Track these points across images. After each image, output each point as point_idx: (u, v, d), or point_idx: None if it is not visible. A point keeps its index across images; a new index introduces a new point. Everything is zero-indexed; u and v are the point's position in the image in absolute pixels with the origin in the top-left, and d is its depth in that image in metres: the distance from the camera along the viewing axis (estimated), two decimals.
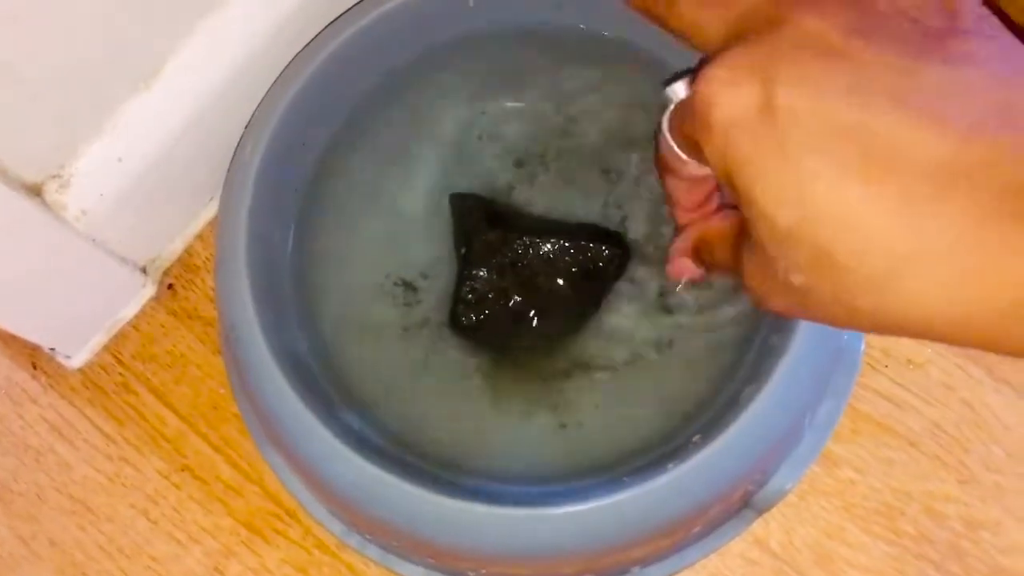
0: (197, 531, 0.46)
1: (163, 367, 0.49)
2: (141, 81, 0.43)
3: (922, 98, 0.26)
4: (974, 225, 0.24)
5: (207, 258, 0.50)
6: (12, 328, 0.44)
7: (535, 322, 0.44)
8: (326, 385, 0.42)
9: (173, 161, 0.45)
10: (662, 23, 0.32)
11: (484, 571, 0.41)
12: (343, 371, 0.44)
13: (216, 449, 0.47)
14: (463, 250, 0.44)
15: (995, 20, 0.28)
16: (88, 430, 0.48)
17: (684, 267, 0.37)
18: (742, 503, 0.42)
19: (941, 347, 0.46)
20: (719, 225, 0.34)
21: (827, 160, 0.26)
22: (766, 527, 0.44)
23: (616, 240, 0.44)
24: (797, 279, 0.28)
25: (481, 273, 0.43)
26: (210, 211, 0.50)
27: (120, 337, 0.49)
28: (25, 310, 0.44)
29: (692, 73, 0.29)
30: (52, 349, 0.48)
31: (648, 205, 0.46)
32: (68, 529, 0.46)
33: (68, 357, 0.48)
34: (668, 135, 0.32)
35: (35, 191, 0.41)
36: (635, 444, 0.42)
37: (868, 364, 0.46)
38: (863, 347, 0.45)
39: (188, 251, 0.50)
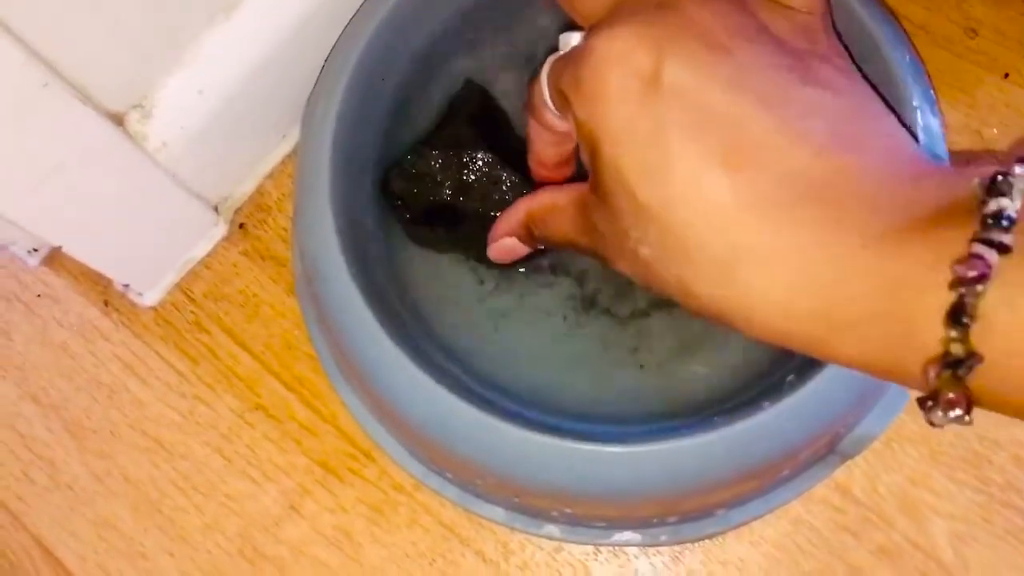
0: (272, 469, 0.46)
1: (235, 306, 0.48)
2: (221, 12, 0.42)
3: (789, 110, 0.27)
4: (821, 235, 0.25)
5: (279, 198, 0.50)
6: (90, 261, 0.43)
7: (457, 232, 0.43)
8: (409, 322, 0.42)
9: (251, 96, 0.44)
10: None
11: (568, 510, 0.40)
12: (425, 309, 0.43)
13: (290, 388, 0.47)
14: (438, 126, 0.44)
15: (846, 57, 0.31)
16: (161, 368, 0.48)
17: (508, 248, 0.38)
18: (829, 447, 0.42)
19: None
20: (563, 197, 0.34)
21: (697, 145, 0.27)
22: (849, 474, 0.44)
23: None
24: (644, 251, 0.28)
25: (436, 153, 0.42)
26: (282, 151, 0.50)
27: (192, 276, 0.49)
28: (103, 243, 0.43)
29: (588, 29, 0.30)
30: (125, 286, 0.48)
31: None
32: (142, 466, 0.46)
33: (140, 294, 0.48)
34: (546, 81, 0.32)
35: (118, 120, 0.40)
36: (719, 385, 0.41)
37: None
38: None
39: (259, 191, 0.50)
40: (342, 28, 0.42)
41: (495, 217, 0.43)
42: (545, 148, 0.37)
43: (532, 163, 0.38)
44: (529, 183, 0.42)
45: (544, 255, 0.44)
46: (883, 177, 0.26)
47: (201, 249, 0.49)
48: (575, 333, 0.44)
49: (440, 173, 0.42)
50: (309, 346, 0.46)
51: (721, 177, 0.26)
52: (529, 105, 0.34)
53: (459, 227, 0.43)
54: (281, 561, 0.44)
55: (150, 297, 0.48)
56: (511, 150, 0.44)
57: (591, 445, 0.36)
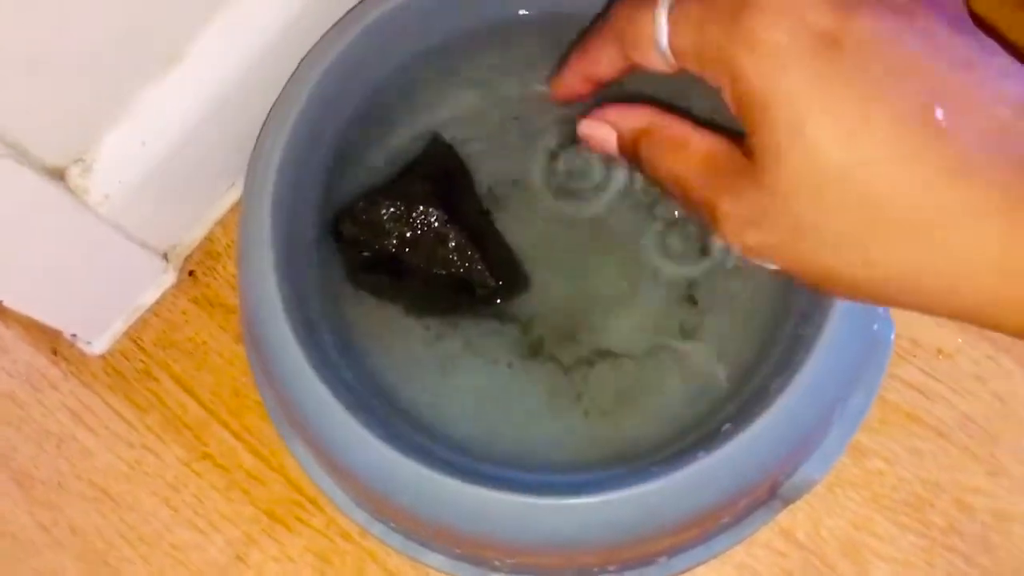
0: (219, 519, 0.46)
1: (184, 354, 0.48)
2: (162, 66, 0.42)
3: (985, 71, 0.26)
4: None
5: (228, 245, 0.50)
6: (34, 313, 0.43)
7: (400, 283, 0.43)
8: (350, 372, 0.42)
9: (194, 146, 0.45)
10: None
11: (509, 560, 0.40)
12: (370, 356, 0.43)
13: (238, 437, 0.47)
14: (398, 176, 0.44)
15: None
16: (109, 417, 0.48)
17: (602, 138, 0.35)
18: (770, 493, 0.42)
19: (971, 337, 0.45)
20: (698, 139, 0.31)
21: (895, 103, 0.26)
22: (793, 518, 0.44)
23: (512, 278, 0.44)
24: (814, 218, 0.27)
25: (388, 203, 0.42)
26: (231, 198, 0.50)
27: (141, 324, 0.49)
28: (47, 295, 0.43)
29: None
30: (73, 335, 0.48)
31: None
32: (89, 516, 0.46)
33: (89, 343, 0.48)
34: (665, 18, 0.30)
35: (58, 175, 0.41)
36: (659, 433, 0.41)
37: (897, 354, 0.45)
38: (893, 337, 0.44)
39: (209, 238, 0.50)
40: (283, 81, 0.42)
41: (438, 275, 0.43)
42: (608, 69, 0.34)
43: (571, 75, 0.35)
44: (475, 246, 0.43)
45: (488, 304, 0.44)
46: None
47: (150, 297, 0.49)
48: (520, 380, 0.44)
49: (389, 223, 0.43)
50: (257, 394, 0.47)
51: (925, 135, 0.25)
52: (617, 29, 0.32)
53: (402, 279, 0.43)
54: None
55: (99, 346, 0.48)
56: (465, 211, 0.44)
57: (526, 497, 0.37)
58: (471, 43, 0.46)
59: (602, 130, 0.35)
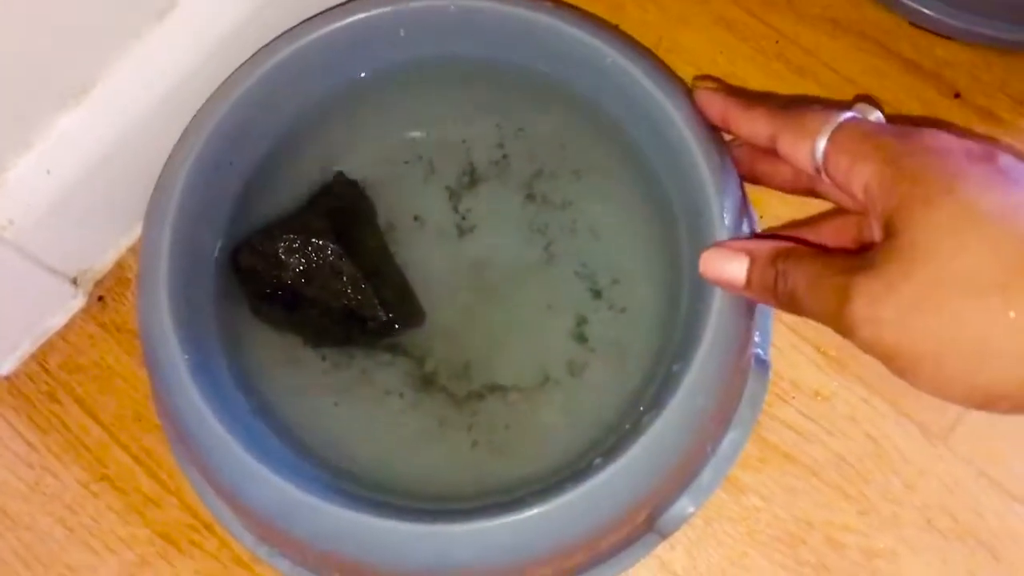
0: (114, 541, 0.46)
1: (89, 378, 0.49)
2: (72, 97, 0.43)
3: None
4: None
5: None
6: None
7: (295, 314, 0.45)
8: (244, 400, 0.43)
9: (104, 176, 0.46)
10: None
11: None
12: (265, 385, 0.45)
13: (137, 460, 0.48)
14: (298, 211, 0.45)
15: None
16: (11, 437, 0.48)
17: (732, 276, 0.37)
18: (646, 527, 0.43)
19: (847, 380, 0.47)
20: (823, 265, 0.34)
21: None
22: (671, 551, 0.45)
23: (405, 312, 0.45)
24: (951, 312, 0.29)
25: (285, 236, 0.44)
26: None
27: (48, 347, 0.50)
28: None
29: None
30: None
31: (571, 234, 0.47)
32: None
33: None
34: (826, 142, 0.34)
35: None
36: (544, 465, 0.43)
37: (777, 395, 0.47)
38: (770, 378, 0.46)
39: (120, 264, 0.51)
40: (193, 115, 0.44)
41: (332, 308, 0.44)
42: (749, 130, 0.39)
43: (724, 104, 0.40)
44: (369, 280, 0.44)
45: (381, 336, 0.45)
46: None
47: (58, 320, 0.50)
48: (412, 411, 0.45)
49: (285, 256, 0.44)
50: (158, 418, 0.47)
51: None
52: (789, 114, 0.37)
53: (297, 310, 0.45)
54: None
55: (3, 367, 0.49)
56: (364, 245, 0.46)
57: (404, 524, 0.38)
58: (379, 84, 0.48)
59: (730, 271, 0.37)
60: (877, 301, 0.30)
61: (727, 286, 0.38)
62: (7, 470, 0.48)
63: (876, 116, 0.36)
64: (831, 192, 0.38)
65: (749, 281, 0.37)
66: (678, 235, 0.44)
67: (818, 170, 0.35)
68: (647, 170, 0.45)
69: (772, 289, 0.35)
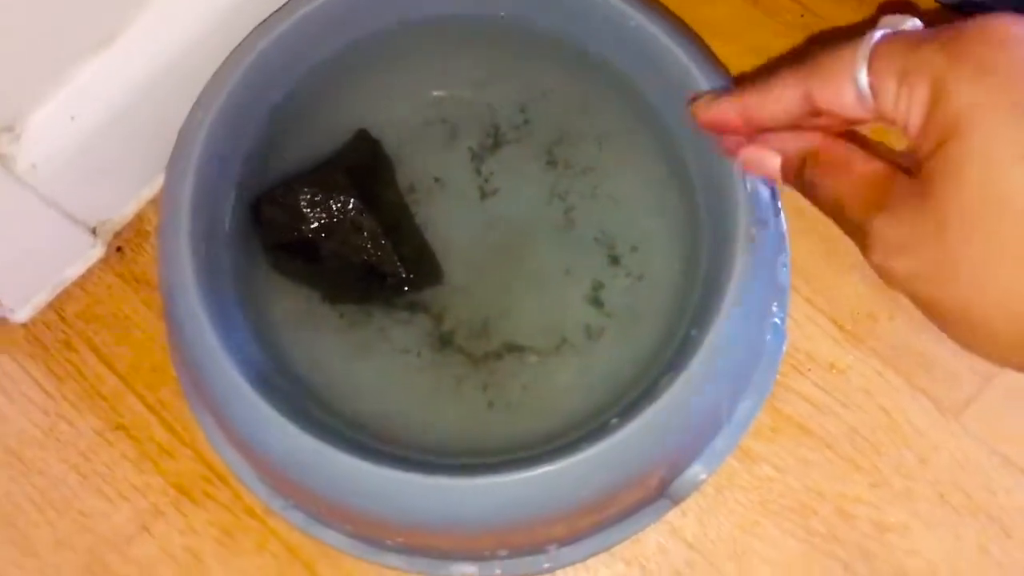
0: (127, 488, 0.47)
1: (106, 327, 0.49)
2: (98, 43, 0.43)
3: None
4: None
5: (158, 224, 0.51)
6: None
7: (314, 268, 0.45)
8: (261, 353, 0.43)
9: (127, 125, 0.46)
10: None
11: (402, 540, 0.42)
12: (280, 341, 0.45)
13: (152, 410, 0.48)
14: (320, 165, 0.45)
15: None
16: (27, 384, 0.48)
17: (762, 161, 0.35)
18: (658, 491, 0.43)
19: (863, 354, 0.47)
20: (863, 161, 0.31)
21: None
22: (683, 518, 0.45)
23: (424, 270, 0.46)
24: (974, 251, 0.26)
25: (306, 189, 0.44)
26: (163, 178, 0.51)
27: (65, 296, 0.50)
28: None
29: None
30: None
31: (592, 200, 0.47)
32: (0, 480, 0.47)
33: (12, 311, 0.49)
34: (866, 57, 0.29)
35: None
36: (559, 426, 0.43)
37: (792, 367, 0.47)
38: (785, 349, 0.46)
39: (140, 216, 0.51)
40: (218, 64, 0.44)
41: (352, 263, 0.44)
42: (782, 109, 0.33)
43: (735, 107, 0.35)
44: (389, 236, 0.44)
45: (400, 294, 0.46)
46: None
47: (76, 270, 0.50)
48: (429, 369, 0.45)
49: (306, 209, 0.44)
50: (174, 370, 0.48)
51: None
52: (815, 63, 0.31)
53: (317, 264, 0.45)
54: None
55: (21, 314, 0.49)
56: (384, 203, 0.46)
57: (420, 476, 0.38)
58: (406, 40, 0.48)
59: (767, 156, 0.35)
60: (895, 254, 0.28)
61: (767, 175, 0.36)
62: (23, 417, 0.48)
63: (911, 24, 0.31)
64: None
65: (786, 178, 0.35)
66: (697, 204, 0.44)
67: (871, 111, 0.30)
68: (670, 138, 0.45)
69: (809, 194, 0.33)
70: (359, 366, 0.45)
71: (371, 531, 0.43)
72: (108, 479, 0.47)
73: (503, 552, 0.42)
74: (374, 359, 0.45)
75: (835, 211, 0.32)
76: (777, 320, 0.46)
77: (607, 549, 0.44)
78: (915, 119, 0.28)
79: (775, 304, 0.46)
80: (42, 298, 0.49)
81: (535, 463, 0.38)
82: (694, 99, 0.38)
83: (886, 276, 0.29)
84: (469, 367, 0.45)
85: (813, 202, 0.33)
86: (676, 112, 0.43)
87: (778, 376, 0.45)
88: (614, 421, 0.39)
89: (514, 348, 0.45)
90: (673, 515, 0.45)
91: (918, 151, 0.28)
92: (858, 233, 0.30)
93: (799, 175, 0.34)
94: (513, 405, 0.45)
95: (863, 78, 0.30)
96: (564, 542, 0.43)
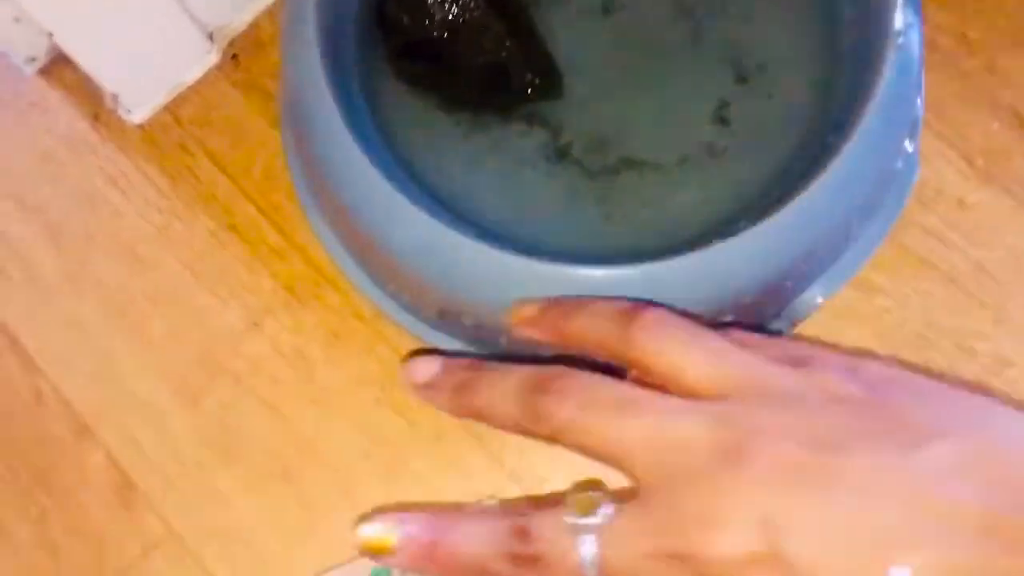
0: (239, 288, 0.47)
1: (220, 132, 0.49)
2: None
3: (924, 484, 0.27)
4: None
5: (273, 34, 0.51)
6: (81, 59, 0.44)
7: (437, 71, 0.44)
8: (387, 151, 0.43)
9: None
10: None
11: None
12: (399, 142, 0.44)
13: (264, 214, 0.48)
14: None
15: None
16: (142, 183, 0.49)
17: None
18: (774, 312, 0.43)
19: (994, 191, 0.45)
20: None
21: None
22: None
23: (546, 79, 0.44)
24: None
25: None
26: None
27: (181, 100, 0.50)
28: (96, 43, 0.44)
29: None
30: (115, 97, 0.49)
31: (721, 16, 0.46)
32: (114, 272, 0.48)
33: (129, 111, 0.49)
34: (593, 561, 0.30)
35: None
36: (676, 240, 0.42)
37: (920, 201, 0.46)
38: (914, 180, 0.44)
39: (255, 25, 0.51)
40: None
41: (475, 65, 0.44)
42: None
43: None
44: (515, 38, 0.43)
45: (521, 101, 0.45)
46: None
47: (192, 74, 0.50)
48: (544, 182, 0.45)
49: (432, 7, 0.43)
50: (287, 177, 0.47)
51: None
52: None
53: (439, 67, 0.44)
54: (238, 373, 0.46)
55: (138, 115, 0.49)
56: (509, 6, 0.45)
57: (548, 264, 0.37)
58: None
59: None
60: None
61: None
62: (138, 215, 0.48)
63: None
64: None
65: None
66: (840, 20, 0.42)
67: None
68: None
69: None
70: (474, 177, 0.45)
71: (483, 333, 0.42)
72: (220, 278, 0.47)
73: None
74: (489, 170, 0.45)
75: None
76: (909, 149, 0.44)
77: None
78: None
79: (908, 134, 0.44)
80: (159, 101, 0.50)
81: (662, 255, 0.37)
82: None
83: None
84: (585, 181, 0.45)
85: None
86: None
87: (904, 209, 0.44)
88: (743, 223, 0.38)
89: (633, 163, 0.45)
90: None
91: None
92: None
93: None
94: (629, 218, 0.44)
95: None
96: None
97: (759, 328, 0.43)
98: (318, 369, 0.45)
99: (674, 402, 0.31)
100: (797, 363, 0.32)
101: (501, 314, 0.40)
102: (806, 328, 0.44)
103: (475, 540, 0.33)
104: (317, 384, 0.45)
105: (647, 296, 0.37)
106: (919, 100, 0.44)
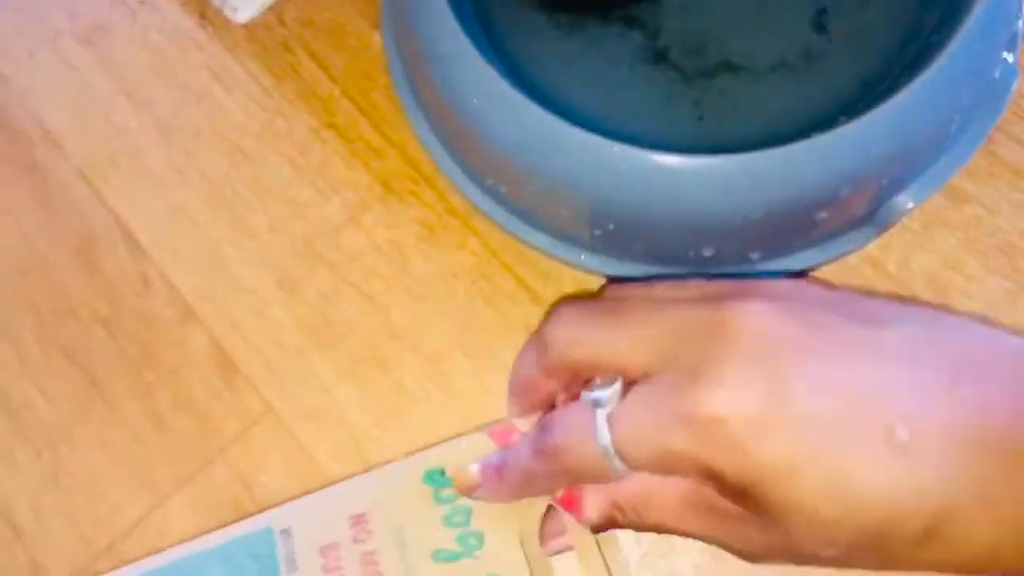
0: (338, 183, 0.48)
1: (322, 34, 0.51)
2: None
3: (910, 368, 0.29)
4: (993, 476, 0.27)
5: None
6: None
7: None
8: (490, 47, 0.44)
9: None
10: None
11: (611, 226, 0.42)
12: (503, 44, 0.45)
13: (363, 112, 0.49)
14: None
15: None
16: (246, 81, 0.51)
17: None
18: (865, 216, 0.43)
19: None
20: (669, 491, 0.33)
21: (861, 449, 0.28)
22: (884, 249, 0.45)
23: None
24: (831, 552, 0.30)
25: None
26: None
27: (285, 1, 0.51)
28: None
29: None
30: None
31: None
32: (219, 166, 0.49)
33: (235, 10, 0.51)
34: (608, 434, 0.32)
35: None
36: (772, 141, 0.43)
37: (1015, 113, 0.46)
38: (1013, 89, 0.44)
39: None
40: None
41: None
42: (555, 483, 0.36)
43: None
44: None
45: (622, 5, 0.45)
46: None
47: None
48: (640, 83, 0.45)
49: None
50: (387, 79, 0.49)
51: (895, 464, 0.28)
52: (552, 457, 0.34)
53: None
54: (336, 264, 0.47)
55: (243, 14, 0.51)
56: None
57: (648, 153, 0.38)
58: None
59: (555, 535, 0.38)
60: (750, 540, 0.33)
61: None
62: (243, 111, 0.50)
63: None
64: None
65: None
66: None
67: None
68: None
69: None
70: (569, 77, 0.45)
71: (576, 227, 0.43)
72: (320, 173, 0.49)
73: (707, 252, 0.43)
74: (585, 70, 0.46)
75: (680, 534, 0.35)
76: (1009, 59, 0.44)
77: (811, 270, 0.44)
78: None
79: (1007, 44, 0.44)
80: (262, 2, 0.51)
81: (757, 147, 0.38)
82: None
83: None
84: (681, 83, 0.45)
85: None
86: None
87: (999, 120, 0.44)
88: (842, 119, 0.38)
89: (729, 67, 0.45)
90: (875, 247, 0.45)
91: None
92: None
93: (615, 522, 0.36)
94: (725, 121, 0.44)
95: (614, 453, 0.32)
96: (768, 254, 0.43)
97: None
98: (413, 262, 0.47)
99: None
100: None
101: (600, 205, 0.41)
102: (895, 235, 0.44)
103: (521, 447, 0.36)
104: (412, 276, 0.47)
105: (746, 189, 0.38)
106: (1020, 13, 0.44)
